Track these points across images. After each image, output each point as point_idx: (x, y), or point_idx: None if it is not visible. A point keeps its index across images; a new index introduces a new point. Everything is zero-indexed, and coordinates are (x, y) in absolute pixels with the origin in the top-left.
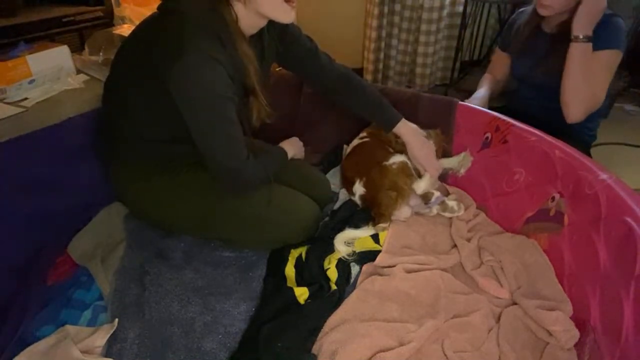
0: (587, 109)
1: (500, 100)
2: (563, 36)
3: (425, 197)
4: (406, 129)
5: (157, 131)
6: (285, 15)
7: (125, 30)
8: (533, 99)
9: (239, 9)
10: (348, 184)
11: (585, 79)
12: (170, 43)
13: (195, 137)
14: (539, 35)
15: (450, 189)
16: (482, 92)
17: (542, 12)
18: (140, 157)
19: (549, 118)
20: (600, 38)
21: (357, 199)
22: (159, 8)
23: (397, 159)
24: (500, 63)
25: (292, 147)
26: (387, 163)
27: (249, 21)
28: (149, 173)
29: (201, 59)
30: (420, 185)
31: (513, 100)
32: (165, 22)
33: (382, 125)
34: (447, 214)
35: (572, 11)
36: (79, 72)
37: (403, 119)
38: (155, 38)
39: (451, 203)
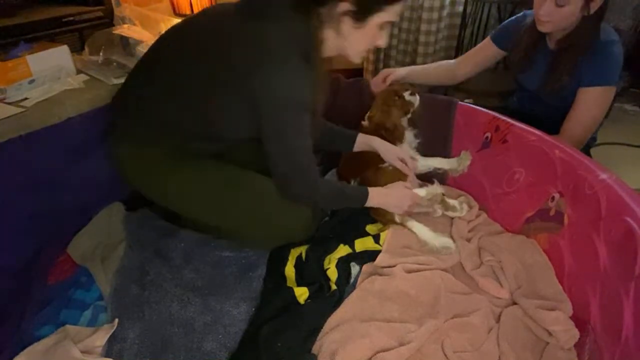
0: (577, 145)
1: (500, 100)
2: (563, 52)
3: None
4: (367, 137)
5: (200, 125)
6: (358, 59)
7: (125, 30)
8: (535, 107)
9: (328, 36)
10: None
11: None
12: (263, 46)
13: (265, 137)
14: (542, 50)
15: (456, 192)
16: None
17: (542, 28)
18: (168, 144)
19: (550, 120)
20: (594, 73)
21: None
22: (248, 4)
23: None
24: (485, 54)
25: (385, 195)
26: (382, 166)
27: (327, 50)
28: (170, 160)
29: (295, 68)
30: (420, 192)
31: (513, 101)
32: (257, 25)
33: (346, 146)
34: (449, 214)
35: (574, 27)
36: (79, 72)
37: (359, 133)
38: (242, 37)
39: (452, 202)
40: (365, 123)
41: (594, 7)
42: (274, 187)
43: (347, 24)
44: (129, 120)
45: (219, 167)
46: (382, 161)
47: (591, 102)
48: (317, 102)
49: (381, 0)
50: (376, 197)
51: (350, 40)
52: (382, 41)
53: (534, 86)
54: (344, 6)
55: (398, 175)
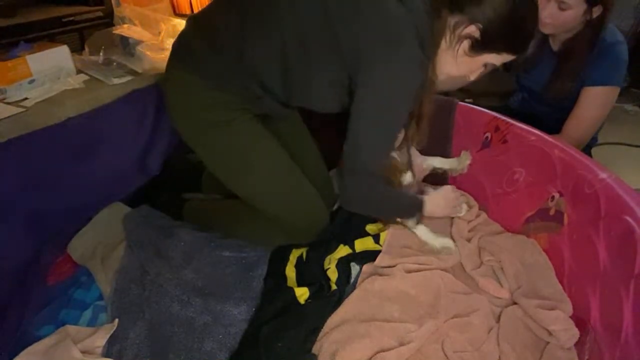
0: (578, 144)
1: (500, 100)
2: (568, 55)
3: (425, 193)
4: None
5: (275, 87)
6: (442, 78)
7: (125, 30)
8: (538, 107)
9: (441, 46)
10: None
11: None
12: (381, 24)
13: (354, 126)
14: (545, 51)
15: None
16: None
17: (544, 29)
18: (240, 92)
19: (552, 120)
20: (598, 72)
21: None
22: None
23: None
24: None
25: (436, 206)
26: None
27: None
28: (233, 109)
29: (414, 58)
30: (406, 177)
31: (513, 101)
32: (390, 2)
33: None
34: None
35: (578, 30)
36: (79, 72)
37: None
38: (356, 6)
39: None
40: None
41: (597, 12)
42: (308, 185)
43: (463, 47)
44: (209, 49)
45: (276, 141)
46: None
47: (594, 101)
48: (422, 101)
49: (503, 44)
50: (428, 207)
51: (455, 63)
52: (474, 77)
53: (537, 87)
54: (472, 30)
55: (393, 167)
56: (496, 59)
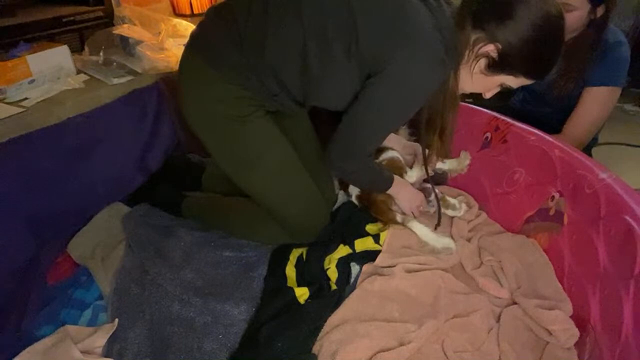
0: (579, 144)
1: (500, 100)
2: (571, 55)
3: (425, 192)
4: None
5: (293, 84)
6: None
7: (125, 30)
8: (539, 107)
9: (465, 59)
10: (344, 185)
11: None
12: (405, 23)
13: (360, 112)
14: None
15: (456, 191)
16: None
17: None
18: (257, 89)
19: (553, 120)
20: (600, 73)
21: (354, 199)
22: None
23: (387, 155)
24: None
25: (400, 189)
26: (377, 160)
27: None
28: (248, 105)
29: (436, 58)
30: (412, 175)
31: (514, 101)
32: (415, 4)
33: None
34: (449, 212)
35: (580, 31)
36: (79, 72)
37: None
38: (386, 6)
39: (452, 200)
40: None
41: (600, 11)
42: (312, 184)
43: (479, 64)
44: (228, 42)
45: (286, 140)
46: (376, 156)
47: (596, 101)
48: (443, 112)
49: (521, 70)
50: (395, 185)
51: (470, 79)
52: (489, 95)
53: (539, 87)
54: (490, 49)
55: (394, 166)
56: (513, 81)
